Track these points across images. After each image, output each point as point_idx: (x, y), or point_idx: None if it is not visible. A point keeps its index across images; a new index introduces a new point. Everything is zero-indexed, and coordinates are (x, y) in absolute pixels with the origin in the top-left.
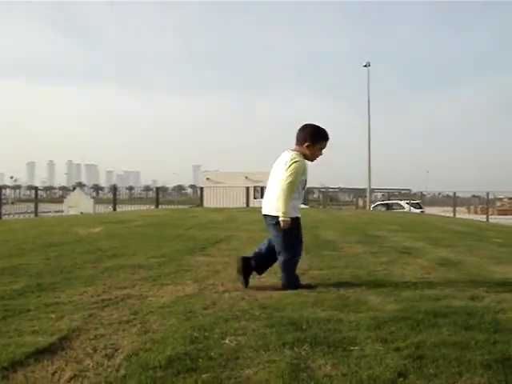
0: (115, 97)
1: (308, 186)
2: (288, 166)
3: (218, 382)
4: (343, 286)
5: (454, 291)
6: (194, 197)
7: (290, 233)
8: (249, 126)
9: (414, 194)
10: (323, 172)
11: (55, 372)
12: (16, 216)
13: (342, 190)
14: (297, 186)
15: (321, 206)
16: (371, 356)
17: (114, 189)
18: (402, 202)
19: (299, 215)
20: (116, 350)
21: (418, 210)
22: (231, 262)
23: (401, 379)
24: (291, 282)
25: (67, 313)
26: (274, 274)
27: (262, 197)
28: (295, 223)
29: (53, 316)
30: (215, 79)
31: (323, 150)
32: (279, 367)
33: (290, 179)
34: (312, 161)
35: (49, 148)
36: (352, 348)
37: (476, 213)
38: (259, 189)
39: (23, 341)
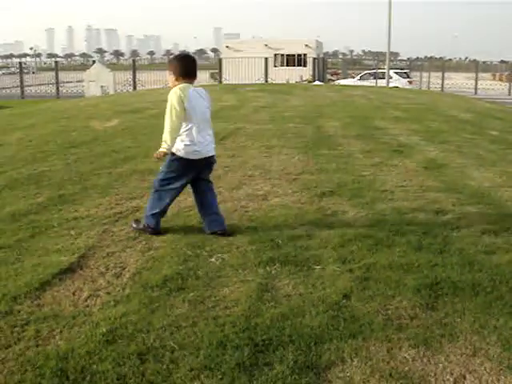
0: None
1: (333, 48)
2: None
3: (200, 300)
4: (326, 196)
5: (424, 203)
6: (215, 60)
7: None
8: None
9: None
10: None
11: (75, 292)
12: (38, 90)
13: (365, 53)
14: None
15: (338, 77)
16: (327, 276)
17: (133, 62)
18: (391, 72)
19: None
20: (123, 269)
21: (405, 80)
22: (232, 166)
23: (344, 301)
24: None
25: (84, 229)
26: (268, 181)
27: (281, 65)
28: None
29: (72, 233)
30: None
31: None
32: (250, 287)
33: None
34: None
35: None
36: (315, 267)
37: (501, 80)
38: (279, 56)
39: (49, 260)
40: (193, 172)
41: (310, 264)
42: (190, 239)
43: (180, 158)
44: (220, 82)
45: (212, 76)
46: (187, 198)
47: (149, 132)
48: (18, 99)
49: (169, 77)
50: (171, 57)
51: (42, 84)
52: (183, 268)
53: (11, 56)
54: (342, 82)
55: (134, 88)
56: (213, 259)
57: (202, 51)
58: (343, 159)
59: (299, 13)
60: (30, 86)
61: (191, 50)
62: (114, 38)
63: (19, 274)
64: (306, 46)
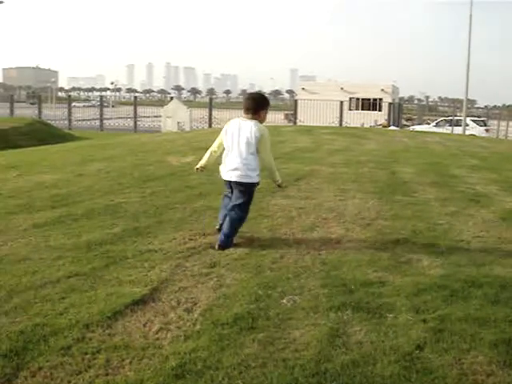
0: None
1: (409, 94)
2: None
3: (270, 341)
4: (401, 243)
5: (502, 256)
6: (290, 102)
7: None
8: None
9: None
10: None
11: (146, 323)
12: (116, 123)
13: (442, 100)
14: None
15: (414, 123)
16: (400, 325)
17: (210, 100)
18: (468, 119)
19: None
20: (195, 305)
21: (482, 128)
22: (306, 207)
23: (417, 351)
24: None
25: (158, 262)
26: (342, 224)
27: (356, 108)
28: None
29: (146, 265)
30: None
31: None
32: (321, 331)
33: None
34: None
35: (148, 50)
36: (387, 315)
37: None
38: (354, 100)
39: (122, 291)
40: (226, 188)
41: (382, 311)
42: (262, 279)
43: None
44: (295, 123)
45: (286, 117)
46: (260, 237)
47: None
48: (98, 131)
49: None
50: None
51: (121, 117)
52: (254, 307)
53: (93, 89)
54: (418, 127)
55: (210, 125)
56: (284, 300)
57: (277, 92)
58: (418, 206)
59: (376, 57)
60: (109, 119)
61: (266, 90)
62: (191, 76)
63: (92, 302)
64: (382, 90)
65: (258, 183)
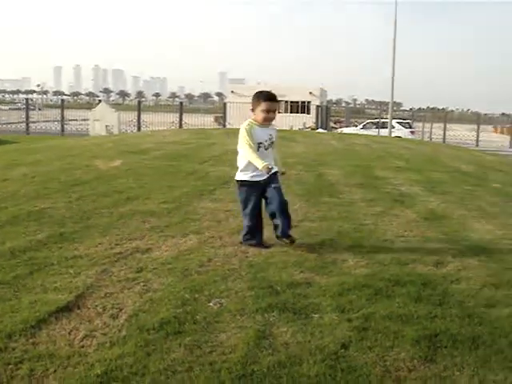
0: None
1: (337, 97)
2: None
3: (197, 345)
4: (327, 245)
5: (424, 254)
6: (219, 105)
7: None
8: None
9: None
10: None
11: (71, 331)
12: (43, 126)
13: (369, 102)
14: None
15: (341, 125)
16: (326, 325)
17: (139, 103)
18: (394, 122)
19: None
20: (120, 310)
21: (408, 130)
22: (234, 210)
23: (342, 350)
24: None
25: (83, 268)
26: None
27: (285, 111)
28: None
29: (71, 271)
30: None
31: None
32: (248, 333)
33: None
34: (264, 123)
35: (75, 52)
36: (313, 315)
37: (502, 133)
38: (283, 103)
39: (47, 298)
40: None
41: (308, 312)
42: (189, 283)
43: None
44: (224, 125)
45: (216, 120)
46: (187, 241)
47: (152, 174)
48: (24, 135)
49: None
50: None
51: (48, 121)
52: (181, 311)
53: (18, 92)
54: (345, 130)
55: (139, 129)
56: (211, 304)
57: (206, 95)
58: (345, 207)
59: (304, 60)
60: (35, 122)
61: (196, 93)
62: (120, 79)
63: (15, 311)
64: (310, 93)
65: (239, 181)
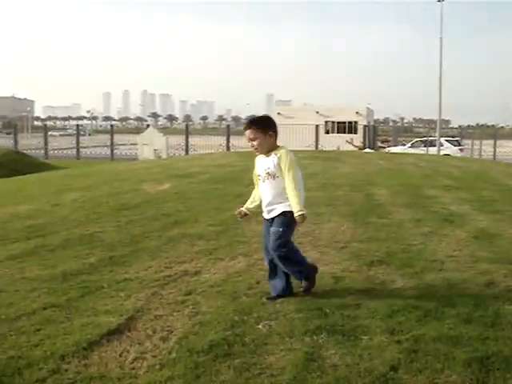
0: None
1: (384, 116)
2: None
3: (246, 368)
4: (375, 265)
5: (475, 274)
6: None
7: None
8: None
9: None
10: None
11: (122, 353)
12: (93, 151)
13: (416, 121)
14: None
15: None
16: (375, 347)
17: (186, 127)
18: (442, 139)
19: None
20: (170, 333)
21: (456, 148)
22: None
23: (391, 373)
24: None
25: (134, 291)
26: (316, 248)
27: (332, 132)
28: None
29: (122, 294)
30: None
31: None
32: (296, 356)
33: None
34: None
35: (123, 78)
36: (362, 338)
37: None
38: (330, 123)
39: (98, 321)
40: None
41: (357, 334)
42: (238, 305)
43: None
44: None
45: None
46: (236, 263)
47: (200, 197)
48: (74, 160)
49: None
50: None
51: (98, 146)
52: (230, 334)
53: (69, 118)
54: (393, 149)
55: (187, 152)
56: (260, 326)
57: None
58: (393, 228)
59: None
60: (85, 147)
61: (243, 115)
62: (168, 103)
63: (68, 333)
64: (357, 113)
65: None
